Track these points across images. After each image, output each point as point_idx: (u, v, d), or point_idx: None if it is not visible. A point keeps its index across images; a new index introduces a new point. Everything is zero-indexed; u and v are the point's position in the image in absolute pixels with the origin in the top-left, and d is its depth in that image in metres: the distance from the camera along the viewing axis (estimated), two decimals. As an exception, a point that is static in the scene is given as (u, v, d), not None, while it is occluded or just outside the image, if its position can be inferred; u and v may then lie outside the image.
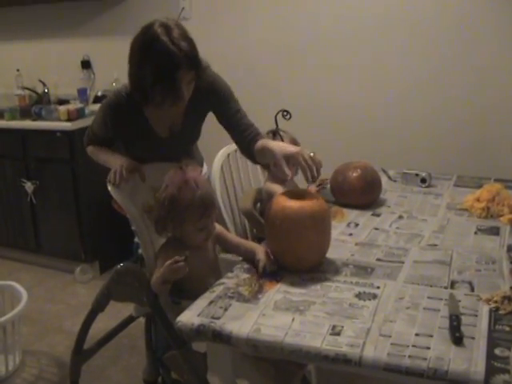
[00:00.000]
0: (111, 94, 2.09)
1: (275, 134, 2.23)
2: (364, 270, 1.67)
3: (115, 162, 2.00)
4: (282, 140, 2.18)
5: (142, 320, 2.40)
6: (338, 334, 1.33)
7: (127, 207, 1.95)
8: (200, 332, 1.41)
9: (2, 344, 2.65)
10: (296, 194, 1.74)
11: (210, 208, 1.75)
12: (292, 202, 1.67)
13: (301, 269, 1.67)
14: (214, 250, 1.92)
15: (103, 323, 2.16)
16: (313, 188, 2.29)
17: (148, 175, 2.00)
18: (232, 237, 1.94)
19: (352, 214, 2.14)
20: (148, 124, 2.07)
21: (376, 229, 2.00)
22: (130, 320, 2.31)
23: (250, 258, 1.77)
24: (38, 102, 3.97)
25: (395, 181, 2.53)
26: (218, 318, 1.43)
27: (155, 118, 2.06)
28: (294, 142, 2.29)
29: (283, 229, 1.65)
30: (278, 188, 2.22)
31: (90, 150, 2.20)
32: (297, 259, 1.68)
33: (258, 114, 2.20)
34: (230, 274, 1.69)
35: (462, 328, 1.31)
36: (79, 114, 3.61)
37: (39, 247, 3.89)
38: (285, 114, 2.18)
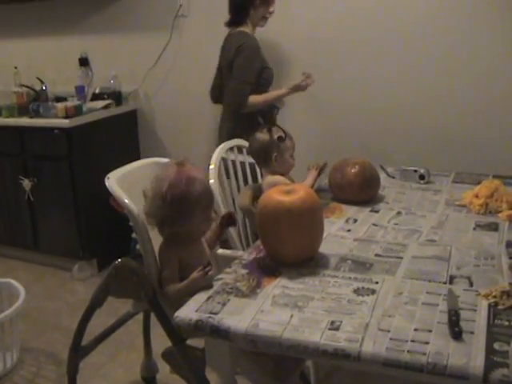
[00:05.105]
0: (247, 39, 2.83)
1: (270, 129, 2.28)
2: (363, 266, 1.67)
3: (281, 90, 2.86)
4: (285, 134, 2.27)
5: (140, 317, 2.39)
6: (337, 329, 1.33)
7: (125, 203, 1.94)
8: (198, 327, 1.40)
9: (-1, 341, 2.65)
10: (292, 188, 1.74)
11: (213, 198, 1.82)
12: (276, 197, 1.68)
13: (283, 263, 1.68)
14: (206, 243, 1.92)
15: (101, 320, 2.15)
16: (313, 172, 2.29)
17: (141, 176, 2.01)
18: None
19: (350, 210, 2.14)
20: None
21: (374, 225, 2.00)
22: (128, 317, 2.30)
23: (218, 234, 1.95)
24: (36, 100, 3.95)
25: (393, 177, 2.52)
26: (216, 314, 1.42)
27: None
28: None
29: (264, 222, 1.71)
30: (280, 179, 2.21)
31: (252, 99, 2.71)
32: (276, 253, 1.70)
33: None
34: (228, 270, 1.68)
35: (461, 323, 1.31)
36: (77, 111, 3.60)
37: (37, 245, 3.88)
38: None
